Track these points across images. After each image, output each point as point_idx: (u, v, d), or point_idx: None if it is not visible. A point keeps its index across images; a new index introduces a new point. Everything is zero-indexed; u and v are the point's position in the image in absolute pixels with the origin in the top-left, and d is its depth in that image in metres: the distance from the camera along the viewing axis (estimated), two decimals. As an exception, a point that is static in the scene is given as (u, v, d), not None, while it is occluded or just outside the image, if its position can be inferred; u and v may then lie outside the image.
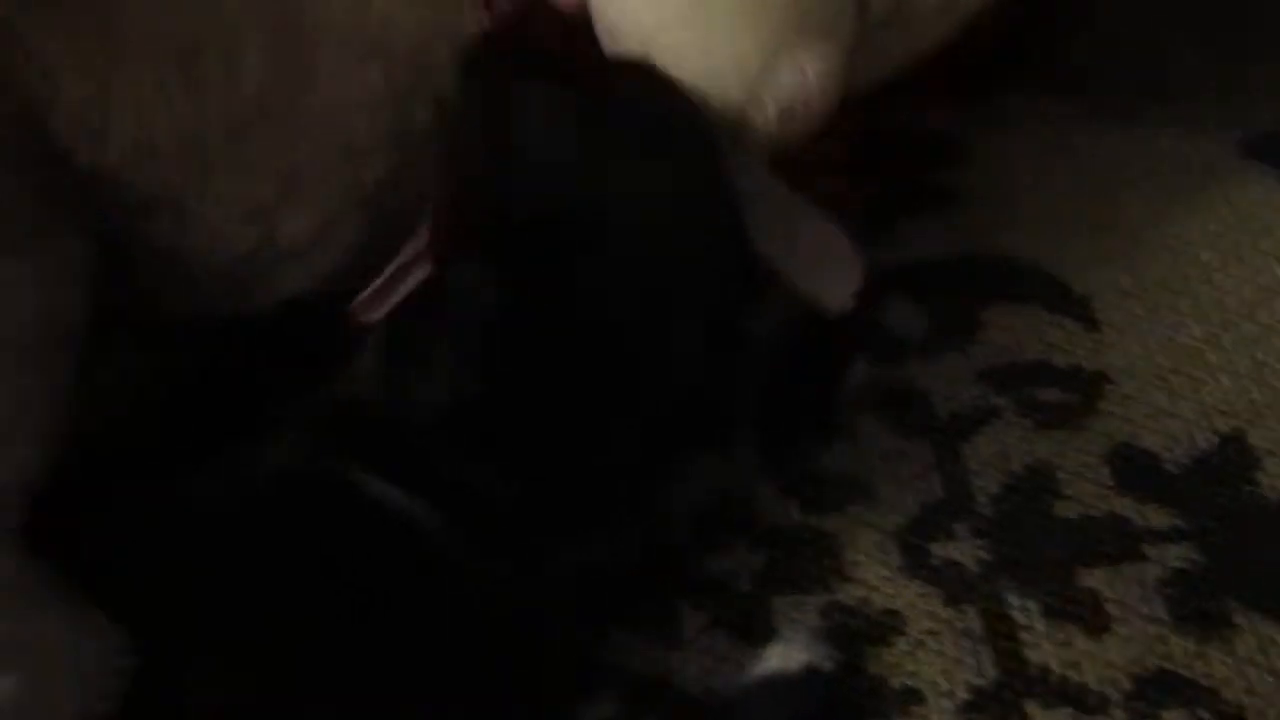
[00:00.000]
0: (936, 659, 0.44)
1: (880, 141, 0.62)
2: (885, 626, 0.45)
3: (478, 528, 0.36)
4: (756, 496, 0.49)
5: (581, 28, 0.43)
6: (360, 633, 0.34)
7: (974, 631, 0.45)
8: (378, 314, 0.39)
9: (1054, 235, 0.60)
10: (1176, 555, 0.47)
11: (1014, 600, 0.46)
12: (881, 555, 0.48)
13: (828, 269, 0.42)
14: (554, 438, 0.39)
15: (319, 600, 0.35)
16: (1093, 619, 0.45)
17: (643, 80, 0.40)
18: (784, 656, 0.42)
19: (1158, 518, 0.48)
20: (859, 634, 0.44)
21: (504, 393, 0.38)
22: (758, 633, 0.44)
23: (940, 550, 0.48)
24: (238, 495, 0.38)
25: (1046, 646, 0.44)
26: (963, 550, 0.48)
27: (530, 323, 0.38)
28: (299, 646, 0.34)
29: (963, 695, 0.43)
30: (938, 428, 0.52)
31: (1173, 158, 0.64)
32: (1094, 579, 0.46)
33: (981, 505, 0.49)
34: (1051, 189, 0.62)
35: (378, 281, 0.39)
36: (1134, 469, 0.50)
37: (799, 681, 0.41)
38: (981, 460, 0.51)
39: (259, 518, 0.37)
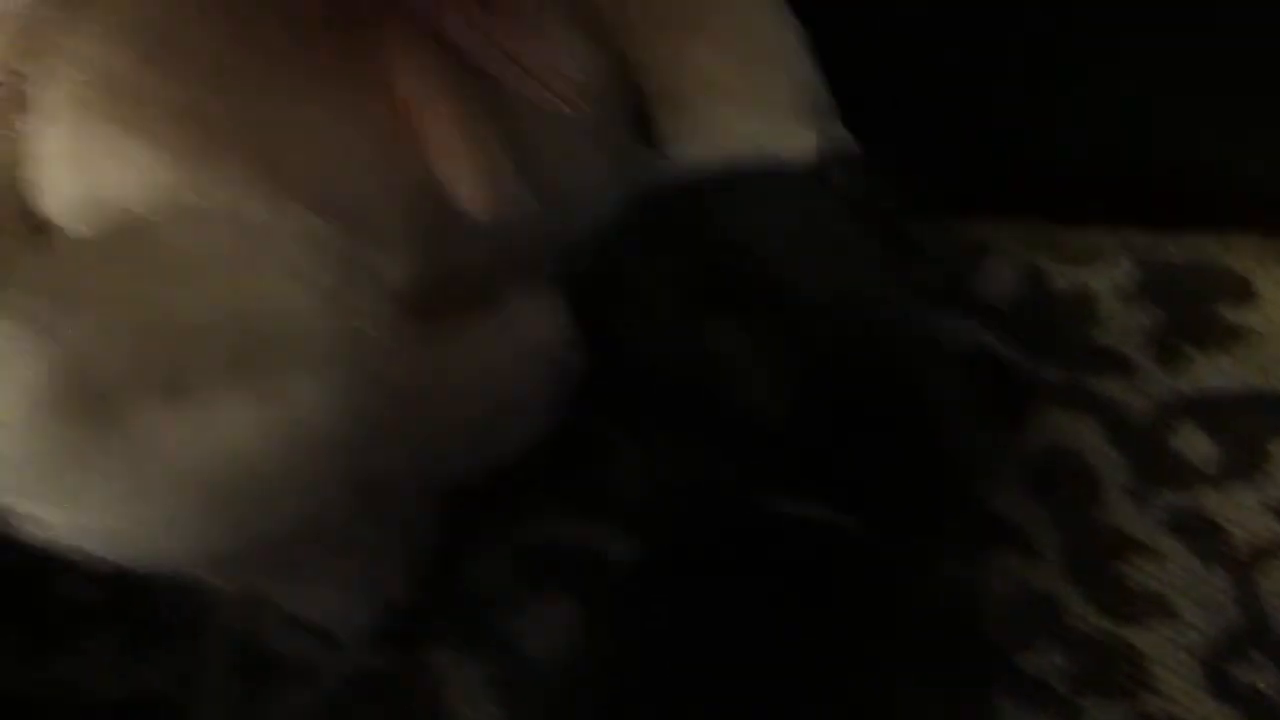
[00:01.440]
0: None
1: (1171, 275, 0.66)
2: (1189, 740, 0.49)
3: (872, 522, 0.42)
4: (1065, 599, 0.54)
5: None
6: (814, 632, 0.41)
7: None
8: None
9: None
10: None
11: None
12: (1184, 671, 0.52)
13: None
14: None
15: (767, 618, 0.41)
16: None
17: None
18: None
19: None
20: (1164, 744, 0.49)
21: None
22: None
23: (1241, 675, 0.52)
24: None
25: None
26: (1264, 678, 0.52)
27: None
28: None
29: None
30: (1232, 555, 0.56)
31: None
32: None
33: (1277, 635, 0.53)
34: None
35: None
36: None
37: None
38: (1277, 591, 0.55)
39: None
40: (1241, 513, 0.57)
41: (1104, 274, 0.64)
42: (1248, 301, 0.66)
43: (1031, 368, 0.60)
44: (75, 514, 0.33)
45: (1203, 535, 0.57)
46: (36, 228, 0.38)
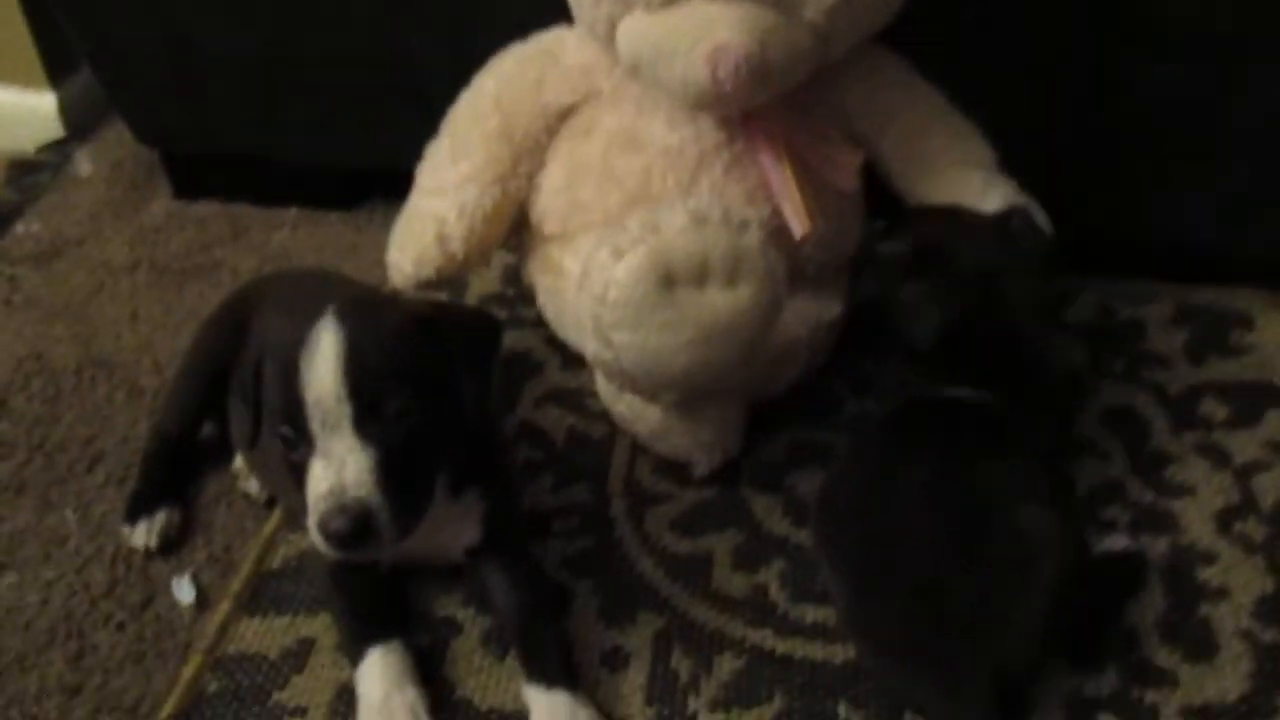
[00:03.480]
0: None
1: (1197, 311, 1.02)
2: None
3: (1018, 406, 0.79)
4: (1127, 484, 0.88)
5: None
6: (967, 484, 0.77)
7: None
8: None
9: None
10: None
11: None
12: (1203, 525, 0.85)
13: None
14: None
15: (944, 469, 0.77)
16: None
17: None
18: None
19: None
20: None
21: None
22: None
23: (1239, 528, 0.85)
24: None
25: None
26: (1255, 530, 0.84)
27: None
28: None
29: None
30: (1233, 467, 0.89)
31: None
32: None
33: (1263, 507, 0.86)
34: None
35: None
36: None
37: None
38: (1262, 485, 0.88)
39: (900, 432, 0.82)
40: (1246, 447, 0.91)
41: (1154, 310, 1.02)
42: (1249, 328, 1.02)
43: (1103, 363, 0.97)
44: (643, 339, 0.72)
45: (1215, 454, 0.91)
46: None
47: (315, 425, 0.64)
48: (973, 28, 0.89)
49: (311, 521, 0.64)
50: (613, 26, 0.76)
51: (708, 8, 0.72)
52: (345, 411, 0.63)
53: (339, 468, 0.63)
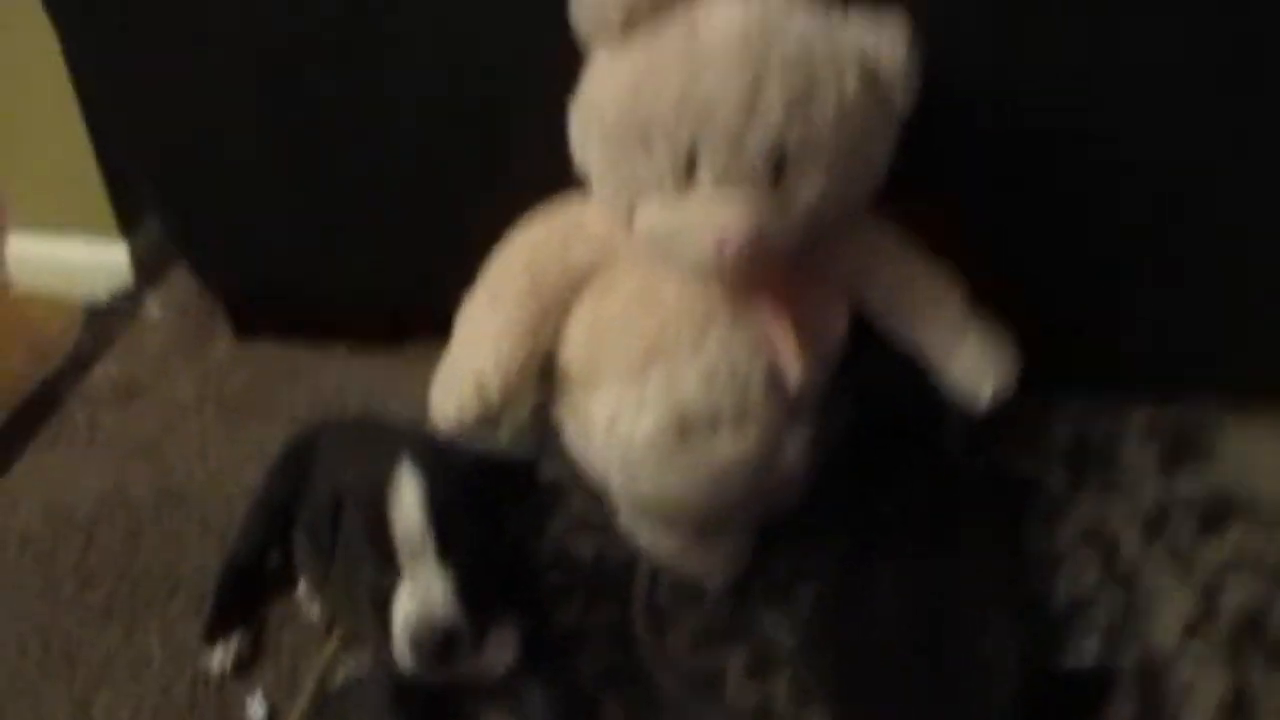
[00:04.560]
0: None
1: (1169, 423, 1.12)
2: None
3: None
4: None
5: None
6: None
7: None
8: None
9: None
10: None
11: None
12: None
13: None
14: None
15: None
16: None
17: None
18: None
19: None
20: None
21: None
22: None
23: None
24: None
25: None
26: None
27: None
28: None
29: None
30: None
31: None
32: None
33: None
34: None
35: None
36: None
37: None
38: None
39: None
40: (1212, 556, 1.00)
41: (1127, 424, 1.11)
42: (1214, 442, 1.11)
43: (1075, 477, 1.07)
44: (664, 479, 0.83)
45: (1183, 564, 1.00)
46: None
47: (403, 556, 0.76)
48: (942, 174, 1.00)
49: (401, 640, 0.75)
50: (631, 210, 0.88)
51: (713, 197, 0.84)
52: (429, 544, 0.75)
53: (425, 593, 0.75)
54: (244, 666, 0.95)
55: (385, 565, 0.77)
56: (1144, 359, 1.14)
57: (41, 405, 1.23)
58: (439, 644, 0.75)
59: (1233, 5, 0.91)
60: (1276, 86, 0.94)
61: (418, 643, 0.75)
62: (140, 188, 1.26)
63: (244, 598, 0.99)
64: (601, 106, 0.86)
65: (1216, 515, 1.04)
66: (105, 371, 1.27)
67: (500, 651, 0.86)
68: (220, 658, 0.95)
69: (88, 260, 1.39)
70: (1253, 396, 1.11)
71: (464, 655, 0.76)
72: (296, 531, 0.95)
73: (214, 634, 0.96)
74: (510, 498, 0.82)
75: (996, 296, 1.01)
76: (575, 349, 0.99)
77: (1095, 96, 0.96)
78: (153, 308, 1.35)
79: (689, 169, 0.84)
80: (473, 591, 0.76)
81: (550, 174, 0.98)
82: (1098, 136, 1.00)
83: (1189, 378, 1.14)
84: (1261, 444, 1.08)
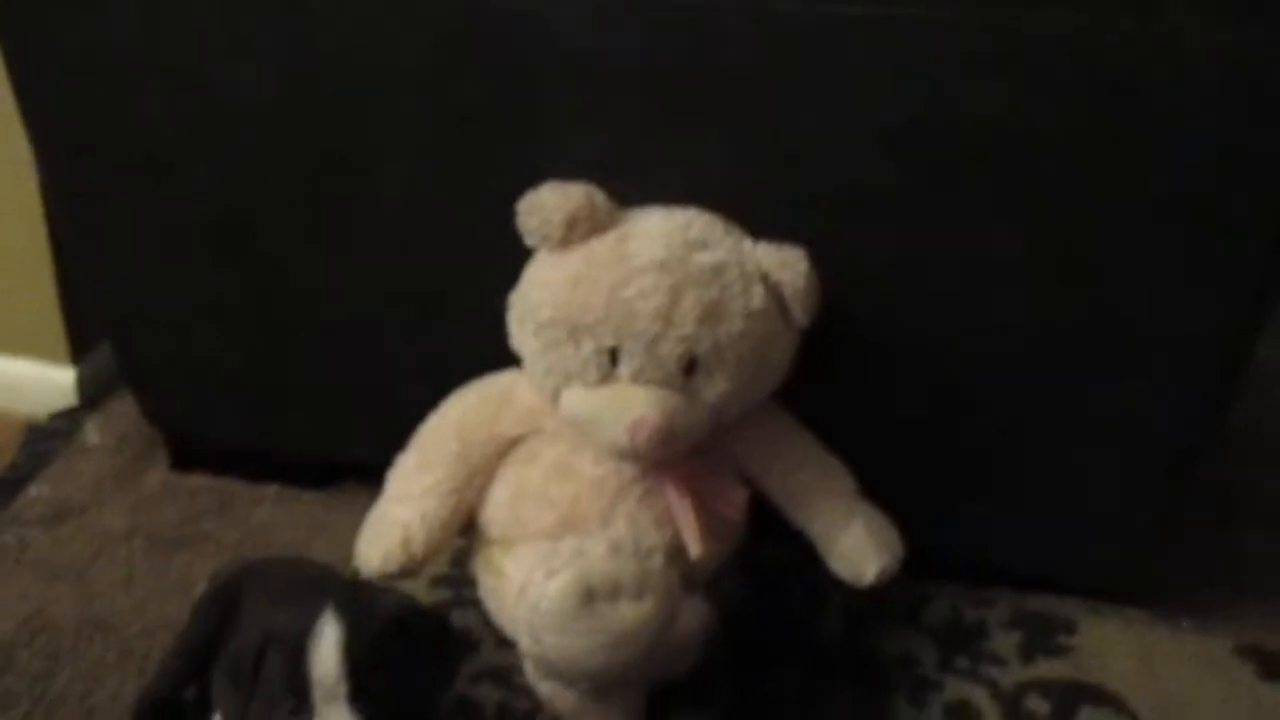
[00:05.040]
0: None
1: (1030, 616, 1.23)
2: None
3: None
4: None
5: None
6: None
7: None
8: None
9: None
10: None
11: None
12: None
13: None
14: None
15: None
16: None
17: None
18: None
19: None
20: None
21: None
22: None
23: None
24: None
25: None
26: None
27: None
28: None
29: None
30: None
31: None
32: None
33: None
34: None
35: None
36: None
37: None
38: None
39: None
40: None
41: (994, 613, 1.22)
42: (1072, 633, 1.23)
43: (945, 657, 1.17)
44: (567, 641, 0.91)
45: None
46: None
47: (316, 698, 0.82)
48: (835, 385, 1.12)
49: None
50: (557, 392, 0.99)
51: (630, 390, 0.95)
52: (342, 690, 0.82)
53: None
54: (154, 798, 0.98)
55: (299, 706, 0.83)
56: (1006, 562, 1.26)
57: (-28, 520, 1.27)
58: None
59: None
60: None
61: None
62: (95, 319, 1.34)
63: (158, 728, 1.03)
64: (538, 303, 0.97)
65: (1068, 701, 1.15)
66: (39, 492, 1.31)
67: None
68: (131, 788, 0.98)
69: (33, 382, 1.45)
70: (1102, 595, 1.24)
71: None
72: (216, 669, 1.00)
73: (126, 763, 0.99)
74: (423, 648, 0.89)
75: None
76: (496, 510, 1.08)
77: (971, 319, 1.09)
78: (92, 433, 1.40)
79: (611, 364, 0.95)
80: (378, 737, 0.83)
81: (481, 358, 1.09)
82: (947, 367, 1.13)
83: (1048, 576, 1.27)
84: (1109, 637, 1.20)
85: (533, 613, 0.93)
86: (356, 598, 0.91)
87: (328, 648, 0.83)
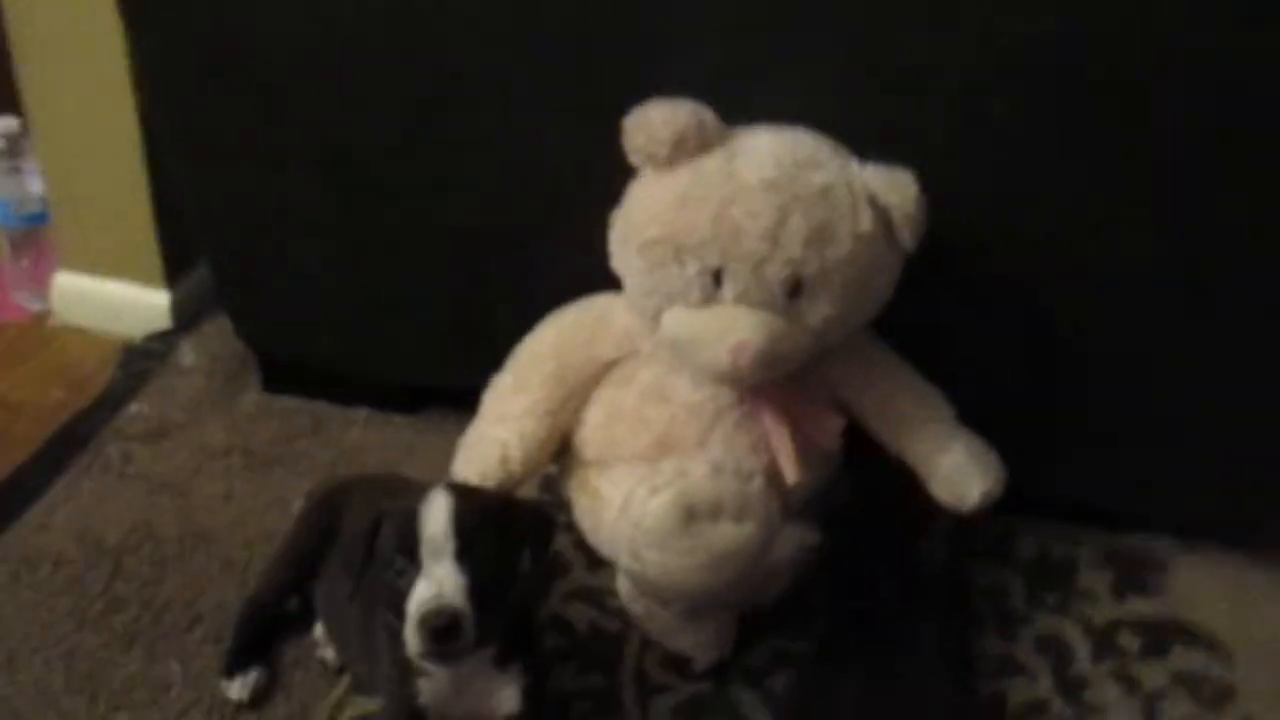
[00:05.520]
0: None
1: (1120, 555, 1.22)
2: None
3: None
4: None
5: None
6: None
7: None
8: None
9: None
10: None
11: None
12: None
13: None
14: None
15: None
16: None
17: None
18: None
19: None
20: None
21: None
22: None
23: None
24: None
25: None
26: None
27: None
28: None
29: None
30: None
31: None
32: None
33: None
34: None
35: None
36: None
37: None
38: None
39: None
40: (1154, 675, 1.09)
41: (1085, 551, 1.21)
42: (1164, 572, 1.21)
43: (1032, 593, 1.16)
44: (667, 559, 0.92)
45: (1127, 681, 1.09)
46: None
47: (425, 555, 0.84)
48: (937, 318, 1.11)
49: (411, 622, 0.83)
50: (658, 313, 0.98)
51: (733, 311, 0.94)
52: (449, 547, 0.84)
53: (439, 584, 0.83)
54: (258, 700, 1.01)
55: (407, 566, 0.85)
56: (1098, 496, 1.25)
57: (76, 436, 1.31)
58: (444, 624, 0.82)
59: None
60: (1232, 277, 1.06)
61: (424, 620, 0.82)
62: (192, 241, 1.36)
63: (263, 636, 1.06)
64: (643, 222, 0.97)
65: (1160, 639, 1.14)
66: (140, 409, 1.35)
67: (503, 699, 0.93)
68: (238, 689, 1.01)
69: (131, 305, 1.48)
70: (1195, 535, 1.22)
71: (466, 641, 0.83)
72: (322, 574, 1.02)
73: (233, 667, 1.02)
74: (528, 533, 0.91)
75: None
76: (591, 432, 1.08)
77: (1077, 258, 1.07)
78: (186, 354, 1.43)
79: (714, 285, 0.95)
80: (481, 595, 0.84)
81: (576, 283, 1.10)
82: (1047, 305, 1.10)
83: (1140, 515, 1.26)
84: (1202, 578, 1.19)
85: (634, 529, 0.93)
86: (463, 485, 0.95)
87: (438, 510, 0.85)
